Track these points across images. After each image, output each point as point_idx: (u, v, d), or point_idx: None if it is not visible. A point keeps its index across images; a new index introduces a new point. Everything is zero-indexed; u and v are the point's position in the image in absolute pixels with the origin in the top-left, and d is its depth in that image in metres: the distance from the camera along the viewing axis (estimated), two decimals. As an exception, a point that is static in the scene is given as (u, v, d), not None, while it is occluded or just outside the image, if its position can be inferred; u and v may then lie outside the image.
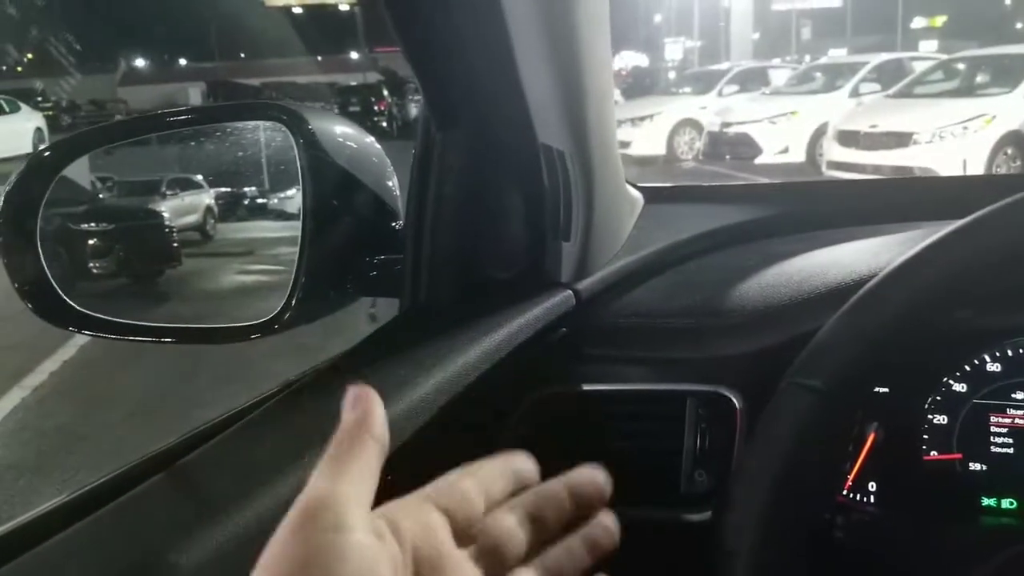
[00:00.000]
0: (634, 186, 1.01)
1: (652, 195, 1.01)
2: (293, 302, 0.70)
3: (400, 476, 0.60)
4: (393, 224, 0.79)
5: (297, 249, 0.72)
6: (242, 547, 0.39)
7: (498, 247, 0.76)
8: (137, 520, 0.41)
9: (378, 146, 0.82)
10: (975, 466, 0.74)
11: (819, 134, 8.68)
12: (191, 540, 0.38)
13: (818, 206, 1.01)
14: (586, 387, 0.77)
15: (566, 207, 0.75)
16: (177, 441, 0.54)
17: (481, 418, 0.72)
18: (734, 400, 0.72)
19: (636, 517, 0.74)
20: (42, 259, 0.66)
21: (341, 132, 0.78)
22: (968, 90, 8.00)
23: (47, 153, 0.74)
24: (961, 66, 8.52)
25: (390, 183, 0.81)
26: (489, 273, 0.76)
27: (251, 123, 0.78)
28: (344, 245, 0.76)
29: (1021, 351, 0.73)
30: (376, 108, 17.58)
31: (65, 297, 0.67)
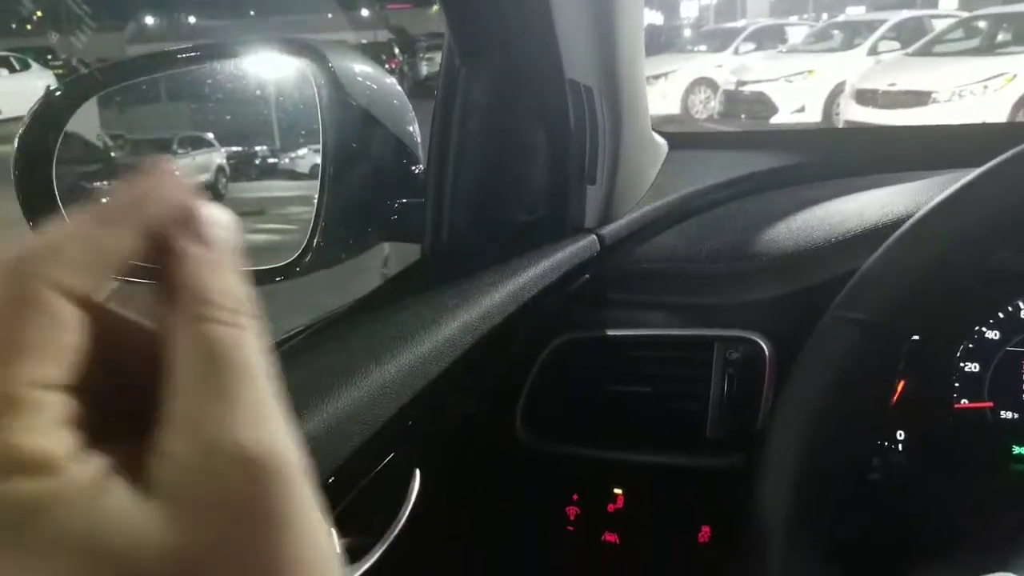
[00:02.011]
0: (659, 132, 0.99)
1: (676, 141, 0.99)
2: (314, 244, 0.69)
3: (422, 420, 0.60)
4: (414, 168, 0.77)
5: (317, 191, 0.71)
6: None
7: (522, 189, 0.74)
8: None
9: (399, 88, 0.80)
10: (1006, 414, 0.73)
11: (836, 93, 8.52)
12: None
13: (847, 153, 0.98)
14: (611, 332, 0.76)
15: (592, 148, 0.73)
16: None
17: (505, 361, 0.71)
18: (763, 345, 0.70)
19: (662, 462, 0.74)
20: (57, 197, 0.65)
21: (362, 72, 0.76)
22: (989, 48, 7.83)
23: (59, 92, 0.72)
24: (982, 24, 8.31)
25: (411, 128, 0.79)
26: (512, 216, 0.74)
27: (268, 60, 0.76)
28: (365, 188, 0.74)
29: None
30: (387, 66, 17.42)
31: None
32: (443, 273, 0.66)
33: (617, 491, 0.72)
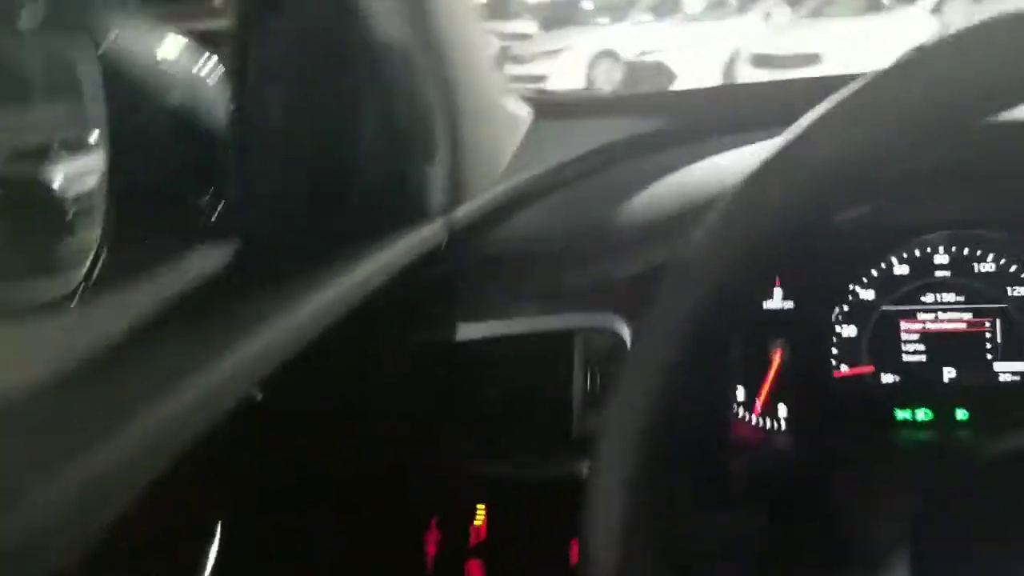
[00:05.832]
0: (523, 99, 0.90)
1: (543, 110, 0.91)
2: (102, 255, 0.59)
3: (229, 459, 0.50)
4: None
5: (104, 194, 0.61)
6: None
7: (344, 169, 0.64)
8: None
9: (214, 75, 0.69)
10: (888, 378, 0.69)
11: (734, 59, 8.69)
12: None
13: (719, 112, 0.93)
14: (463, 332, 0.68)
15: (423, 119, 0.64)
16: None
17: (344, 376, 0.62)
18: (622, 332, 0.64)
19: (527, 473, 0.67)
20: None
21: (169, 51, 0.66)
22: (875, 7, 8.10)
23: None
24: (869, -18, 8.60)
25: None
26: (336, 202, 0.65)
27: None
28: (165, 185, 0.64)
29: (928, 250, 0.68)
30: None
31: None
32: (248, 283, 0.56)
33: (480, 509, 0.65)
